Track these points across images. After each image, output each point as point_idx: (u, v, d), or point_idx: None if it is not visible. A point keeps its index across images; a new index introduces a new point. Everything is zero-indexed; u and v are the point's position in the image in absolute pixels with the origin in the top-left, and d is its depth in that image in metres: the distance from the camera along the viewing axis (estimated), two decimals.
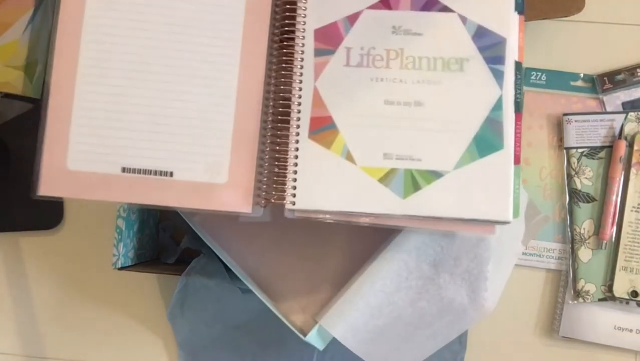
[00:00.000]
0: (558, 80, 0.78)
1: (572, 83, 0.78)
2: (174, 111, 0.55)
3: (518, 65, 0.58)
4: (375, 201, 0.57)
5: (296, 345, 0.75)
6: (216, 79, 0.56)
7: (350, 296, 0.63)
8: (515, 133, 0.57)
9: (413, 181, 0.57)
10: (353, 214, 0.57)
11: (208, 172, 0.55)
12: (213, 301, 0.75)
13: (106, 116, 0.55)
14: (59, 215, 0.81)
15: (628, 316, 0.75)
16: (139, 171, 0.54)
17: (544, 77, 0.78)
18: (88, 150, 0.55)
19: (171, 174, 0.55)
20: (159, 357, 0.80)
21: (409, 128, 0.57)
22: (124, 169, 0.54)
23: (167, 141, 0.55)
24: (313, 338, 0.64)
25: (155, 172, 0.54)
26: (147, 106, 0.55)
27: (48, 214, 0.81)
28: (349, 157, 0.57)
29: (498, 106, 0.57)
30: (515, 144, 0.57)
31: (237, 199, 0.55)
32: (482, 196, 0.56)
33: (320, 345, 0.65)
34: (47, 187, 0.54)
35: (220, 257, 0.67)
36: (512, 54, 0.57)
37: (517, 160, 0.58)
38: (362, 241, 0.70)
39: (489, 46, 0.58)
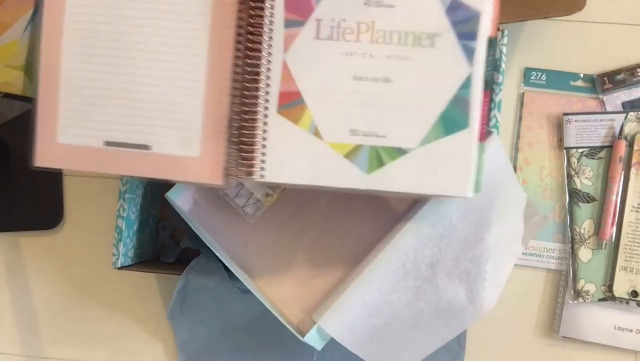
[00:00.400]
0: (558, 80, 0.78)
1: (572, 83, 0.78)
2: (150, 88, 0.58)
3: (491, 41, 0.57)
4: (341, 176, 0.57)
5: (296, 345, 0.75)
6: (186, 56, 0.57)
7: (348, 295, 0.64)
8: (483, 110, 0.57)
9: (377, 158, 0.57)
10: (319, 188, 0.58)
11: (181, 146, 0.57)
12: (212, 301, 0.75)
13: (90, 93, 0.58)
14: (59, 215, 0.81)
15: (628, 316, 0.75)
16: (120, 145, 0.58)
17: (544, 77, 0.78)
18: (75, 125, 0.58)
19: (149, 147, 0.58)
20: (158, 357, 0.81)
21: (377, 105, 0.57)
22: (107, 143, 0.58)
23: (145, 116, 0.58)
24: (312, 338, 0.64)
25: (134, 146, 0.58)
26: (125, 83, 0.58)
27: (48, 214, 0.81)
28: (316, 132, 0.57)
29: (467, 84, 0.56)
30: (481, 121, 0.57)
31: (209, 171, 0.57)
32: (443, 173, 0.57)
33: (318, 345, 0.65)
34: (41, 159, 0.59)
35: (219, 257, 0.67)
36: (485, 30, 0.56)
37: (482, 137, 0.58)
38: (361, 241, 0.70)
39: (463, 21, 0.56)
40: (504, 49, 0.67)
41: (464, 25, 0.56)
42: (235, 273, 0.65)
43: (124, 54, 0.58)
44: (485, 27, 0.56)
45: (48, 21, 0.58)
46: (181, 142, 0.57)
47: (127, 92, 0.58)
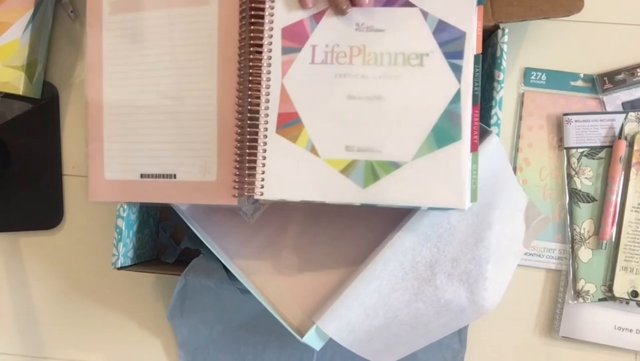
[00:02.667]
0: (558, 80, 0.78)
1: (572, 83, 0.78)
2: (174, 123, 0.64)
3: (476, 57, 0.59)
4: (337, 191, 0.59)
5: (296, 345, 0.75)
6: (200, 90, 0.63)
7: (346, 296, 0.64)
8: (473, 123, 0.59)
9: (373, 172, 0.59)
10: (317, 203, 0.60)
11: (201, 172, 0.63)
12: (212, 301, 0.75)
13: (127, 134, 0.66)
14: (59, 215, 0.81)
15: (628, 316, 0.75)
16: (152, 176, 0.65)
17: (544, 77, 0.78)
18: (117, 162, 0.66)
19: (175, 176, 0.64)
20: (158, 357, 0.80)
21: (370, 122, 0.59)
22: (142, 175, 0.65)
23: (170, 148, 0.64)
24: (310, 338, 0.64)
25: (164, 176, 0.64)
26: (153, 122, 0.65)
27: (48, 214, 0.81)
28: (313, 150, 0.60)
29: (456, 98, 0.59)
30: (472, 134, 0.59)
31: (225, 193, 0.62)
32: (439, 185, 0.59)
33: (317, 346, 0.65)
34: (93, 194, 0.67)
35: (218, 257, 0.67)
36: (471, 49, 0.59)
37: (474, 148, 0.60)
38: (360, 242, 0.70)
39: (449, 41, 0.59)
40: (505, 47, 0.67)
41: (450, 45, 0.59)
42: (234, 273, 0.66)
43: (152, 97, 0.65)
44: (471, 46, 0.59)
45: (91, 82, 0.67)
46: (201, 169, 0.63)
47: (156, 127, 0.64)
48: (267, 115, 0.60)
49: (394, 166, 0.59)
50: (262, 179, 0.60)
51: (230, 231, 0.72)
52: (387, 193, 0.59)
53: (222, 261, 0.67)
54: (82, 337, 0.81)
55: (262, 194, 0.60)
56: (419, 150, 0.59)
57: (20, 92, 0.77)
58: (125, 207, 0.69)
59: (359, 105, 0.59)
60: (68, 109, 0.82)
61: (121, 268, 0.68)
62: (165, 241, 0.80)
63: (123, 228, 0.68)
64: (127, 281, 0.80)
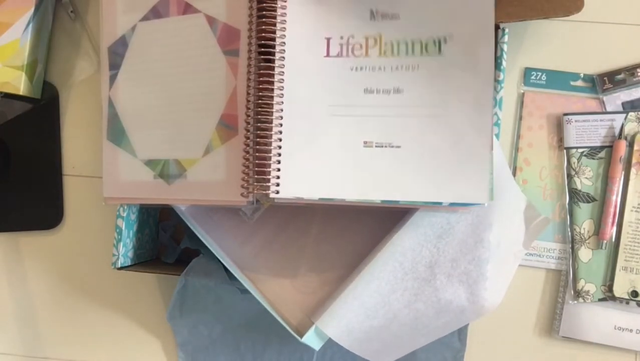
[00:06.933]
0: (558, 80, 0.78)
1: (572, 83, 0.78)
2: (183, 122, 0.63)
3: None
4: (356, 186, 0.58)
5: (296, 345, 0.75)
6: (211, 87, 0.62)
7: (346, 296, 0.64)
8: None
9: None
10: (333, 201, 0.58)
11: (210, 171, 0.61)
12: (212, 301, 0.75)
13: (140, 134, 0.66)
14: (59, 215, 0.81)
15: (628, 316, 0.75)
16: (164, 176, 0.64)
17: (544, 77, 0.78)
18: (131, 163, 0.66)
19: (185, 176, 0.63)
20: (158, 357, 0.80)
21: (389, 116, 0.58)
22: (155, 176, 0.64)
23: (180, 148, 0.63)
24: (310, 338, 0.64)
25: (174, 176, 0.64)
26: (164, 123, 0.64)
27: (48, 214, 0.81)
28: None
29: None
30: None
31: (235, 192, 0.60)
32: (460, 179, 0.58)
33: (316, 346, 0.65)
34: (109, 196, 0.67)
35: (217, 256, 0.67)
36: (490, 36, 0.59)
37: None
38: (360, 242, 0.70)
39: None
40: (505, 47, 0.67)
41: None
42: (233, 273, 0.66)
43: (161, 95, 0.64)
44: (490, 33, 0.58)
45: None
46: (209, 168, 0.61)
47: (167, 127, 0.64)
48: (281, 110, 0.58)
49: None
50: (278, 177, 0.58)
51: (230, 231, 0.72)
52: (408, 185, 0.58)
53: (222, 261, 0.67)
54: (82, 337, 0.81)
55: (277, 192, 0.57)
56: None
57: (20, 92, 0.77)
58: (125, 207, 0.69)
59: (377, 99, 0.58)
60: (68, 109, 0.82)
61: (121, 268, 0.68)
62: (165, 241, 0.80)
63: (123, 228, 0.68)
64: (127, 281, 0.80)
